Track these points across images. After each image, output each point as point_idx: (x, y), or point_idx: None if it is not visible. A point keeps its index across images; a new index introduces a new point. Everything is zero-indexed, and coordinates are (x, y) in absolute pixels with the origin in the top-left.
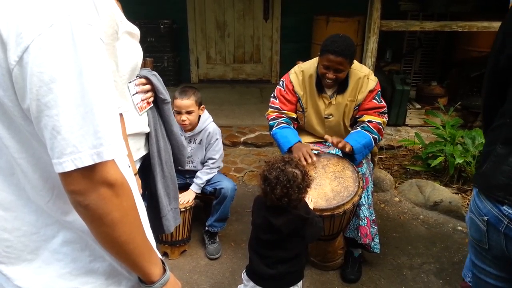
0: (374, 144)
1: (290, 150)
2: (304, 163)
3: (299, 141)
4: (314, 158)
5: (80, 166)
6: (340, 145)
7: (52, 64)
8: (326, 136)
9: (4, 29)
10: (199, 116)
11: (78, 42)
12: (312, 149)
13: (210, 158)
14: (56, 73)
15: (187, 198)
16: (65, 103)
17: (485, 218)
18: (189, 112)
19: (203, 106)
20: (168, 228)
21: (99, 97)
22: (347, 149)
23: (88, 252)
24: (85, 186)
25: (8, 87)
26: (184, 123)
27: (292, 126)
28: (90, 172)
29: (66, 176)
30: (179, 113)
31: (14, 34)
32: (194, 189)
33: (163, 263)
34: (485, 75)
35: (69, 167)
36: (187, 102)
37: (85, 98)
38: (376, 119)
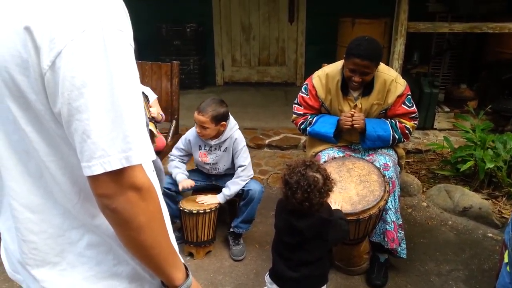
0: (391, 142)
1: (337, 134)
2: (349, 123)
3: (339, 119)
4: (351, 112)
5: (109, 169)
6: (355, 123)
7: (84, 69)
8: (352, 111)
9: (38, 34)
10: (222, 129)
11: (109, 48)
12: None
13: (240, 166)
14: (87, 78)
15: (209, 201)
16: (96, 107)
17: None
18: (205, 128)
19: (223, 122)
20: None
21: (128, 102)
22: (356, 126)
23: (112, 255)
24: (113, 189)
25: (40, 91)
26: (200, 134)
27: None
28: (118, 176)
29: (94, 179)
30: (197, 126)
31: (48, 39)
32: (220, 199)
33: (186, 267)
34: None
35: (98, 170)
36: (201, 118)
37: (115, 103)
38: (406, 123)
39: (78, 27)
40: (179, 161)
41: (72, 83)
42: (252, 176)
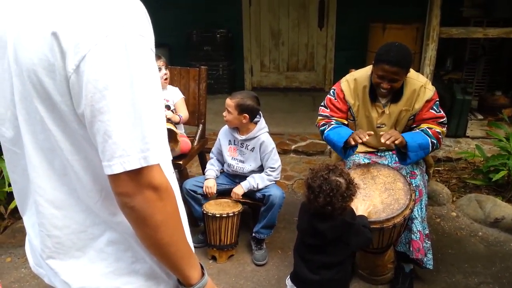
0: (431, 149)
1: (347, 142)
2: (359, 140)
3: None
4: (367, 137)
5: (128, 169)
6: (390, 140)
7: (107, 72)
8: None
9: (65, 39)
10: (244, 122)
11: (130, 53)
12: (368, 134)
13: (270, 167)
14: (109, 81)
15: (237, 192)
16: (117, 109)
17: None
18: (229, 112)
19: (246, 115)
20: None
21: (147, 104)
22: (397, 142)
23: (131, 253)
24: (132, 188)
25: (65, 93)
26: (224, 118)
27: (344, 126)
28: (137, 175)
29: (114, 178)
30: (226, 110)
31: (73, 44)
32: (243, 186)
33: (202, 267)
34: None
35: (118, 169)
36: (228, 101)
37: (135, 105)
38: (436, 128)
39: (101, 33)
40: (216, 159)
41: (95, 85)
42: (278, 179)
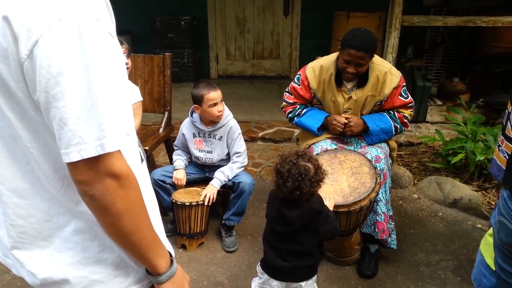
0: (394, 133)
1: (322, 128)
2: (340, 130)
3: (327, 115)
4: (345, 120)
5: (86, 157)
6: (351, 130)
7: (60, 57)
8: (343, 115)
9: (16, 23)
10: None
11: (85, 37)
12: (343, 116)
13: (236, 153)
14: (63, 66)
15: (210, 195)
16: (72, 95)
17: None
18: (221, 103)
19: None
20: None
21: (104, 90)
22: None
23: (98, 242)
24: (90, 176)
25: (20, 79)
26: (221, 113)
27: (312, 107)
28: (95, 163)
29: (72, 166)
30: (215, 105)
31: (25, 28)
32: (216, 185)
33: (171, 255)
34: None
35: (75, 157)
36: (219, 92)
37: (91, 91)
38: (404, 111)
39: (54, 17)
40: (182, 150)
41: (49, 71)
42: (246, 163)
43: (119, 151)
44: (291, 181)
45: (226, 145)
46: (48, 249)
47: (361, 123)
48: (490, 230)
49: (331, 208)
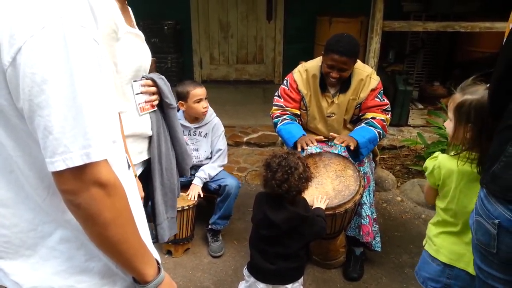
0: (379, 139)
1: (295, 145)
2: (306, 147)
3: (304, 134)
4: (315, 143)
5: (71, 166)
6: (344, 143)
7: (44, 65)
8: (331, 134)
9: None
10: None
11: (69, 44)
12: (316, 139)
13: (219, 150)
14: (47, 74)
15: (194, 193)
16: (57, 104)
17: (496, 221)
18: (206, 99)
19: None
20: (162, 237)
21: (89, 98)
22: (352, 147)
23: (84, 251)
24: (76, 185)
25: (3, 87)
26: (205, 109)
27: (296, 122)
28: (80, 172)
29: (58, 175)
30: (200, 101)
31: (8, 35)
32: (197, 183)
33: (158, 264)
34: (492, 79)
35: (60, 166)
36: (204, 89)
37: (76, 99)
38: (380, 116)
39: (37, 24)
40: None
41: (33, 79)
42: (226, 163)
43: (105, 159)
44: (280, 173)
45: (211, 142)
46: (33, 258)
47: (351, 139)
48: (432, 219)
49: (323, 207)
